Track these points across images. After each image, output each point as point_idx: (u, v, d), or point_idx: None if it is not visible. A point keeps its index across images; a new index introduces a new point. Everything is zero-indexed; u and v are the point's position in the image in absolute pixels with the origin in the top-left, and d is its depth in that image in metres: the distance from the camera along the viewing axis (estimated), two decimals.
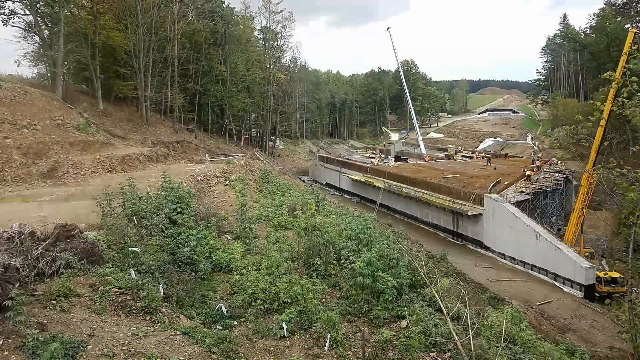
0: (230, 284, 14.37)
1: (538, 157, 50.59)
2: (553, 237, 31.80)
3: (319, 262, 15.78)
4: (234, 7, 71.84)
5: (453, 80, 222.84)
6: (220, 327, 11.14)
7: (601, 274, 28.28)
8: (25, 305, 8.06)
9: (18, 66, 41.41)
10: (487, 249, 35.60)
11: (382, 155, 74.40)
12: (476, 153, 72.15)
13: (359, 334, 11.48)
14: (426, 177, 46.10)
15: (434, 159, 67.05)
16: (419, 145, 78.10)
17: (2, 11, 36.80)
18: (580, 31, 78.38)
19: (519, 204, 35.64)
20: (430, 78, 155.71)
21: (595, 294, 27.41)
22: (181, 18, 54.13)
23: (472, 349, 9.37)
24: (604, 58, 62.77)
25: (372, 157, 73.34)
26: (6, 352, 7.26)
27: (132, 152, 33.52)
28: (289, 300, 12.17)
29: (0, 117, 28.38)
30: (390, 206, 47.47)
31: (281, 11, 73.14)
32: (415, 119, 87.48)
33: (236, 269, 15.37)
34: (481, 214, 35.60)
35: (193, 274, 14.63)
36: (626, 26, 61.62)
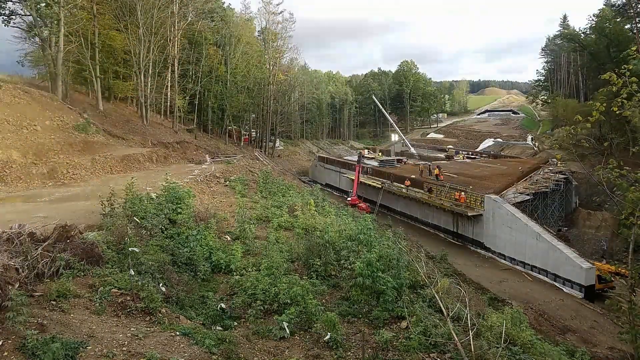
0: (230, 285, 14.37)
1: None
2: (553, 237, 31.78)
3: (318, 263, 15.76)
4: (234, 8, 71.99)
5: (453, 80, 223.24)
6: (220, 328, 11.13)
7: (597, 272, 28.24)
8: (24, 305, 8.05)
9: (22, 66, 41.46)
10: (487, 249, 35.58)
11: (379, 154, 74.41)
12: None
13: (359, 334, 11.47)
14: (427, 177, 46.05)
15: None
16: (408, 146, 78.43)
17: (3, 12, 36.82)
18: (580, 32, 78.44)
19: (519, 205, 35.62)
20: (430, 78, 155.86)
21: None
22: (181, 18, 54.14)
23: (472, 350, 9.35)
24: (604, 58, 62.68)
25: (372, 157, 73.23)
26: (6, 353, 7.24)
27: (132, 152, 33.51)
28: (288, 301, 12.17)
29: (0, 117, 28.36)
30: (390, 207, 47.45)
31: (281, 12, 73.26)
32: (394, 124, 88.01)
33: (236, 270, 15.36)
34: (481, 215, 35.60)
35: (193, 274, 14.63)
36: (626, 27, 61.62)
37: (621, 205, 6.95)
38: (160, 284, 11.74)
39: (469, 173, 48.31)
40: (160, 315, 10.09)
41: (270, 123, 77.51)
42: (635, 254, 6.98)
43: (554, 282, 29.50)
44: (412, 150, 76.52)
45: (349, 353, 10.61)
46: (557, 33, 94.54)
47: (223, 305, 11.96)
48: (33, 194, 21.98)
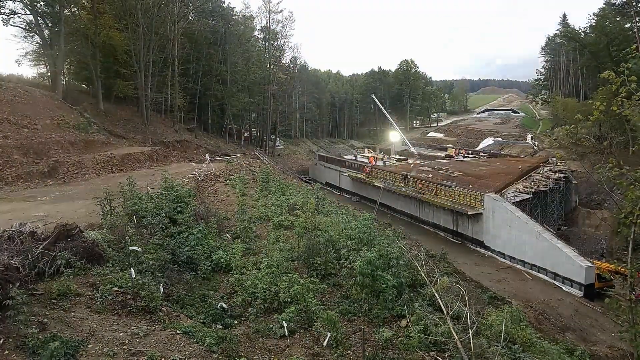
0: (231, 284, 14.39)
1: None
2: (553, 236, 31.80)
3: (319, 262, 15.76)
4: (234, 7, 71.95)
5: (453, 79, 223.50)
6: (221, 327, 11.16)
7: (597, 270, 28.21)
8: (25, 304, 8.07)
9: (19, 66, 41.38)
10: (487, 248, 35.60)
11: (382, 155, 74.45)
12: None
13: (359, 333, 11.49)
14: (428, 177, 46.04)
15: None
16: (408, 145, 78.62)
17: (3, 11, 36.81)
18: (580, 31, 78.38)
19: (518, 204, 35.61)
20: (430, 78, 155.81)
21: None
22: (181, 18, 54.09)
23: (472, 348, 9.37)
24: (604, 57, 62.65)
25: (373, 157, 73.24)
26: (6, 352, 7.27)
27: (133, 151, 33.54)
28: (289, 300, 12.18)
29: (0, 117, 28.39)
30: (390, 206, 47.47)
31: (281, 11, 73.20)
32: (394, 123, 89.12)
33: (236, 269, 15.37)
34: (481, 214, 35.61)
35: (193, 273, 14.66)
36: (626, 25, 61.56)
37: (621, 204, 6.94)
38: (161, 283, 11.76)
39: (469, 172, 48.29)
40: (161, 313, 10.12)
41: (270, 122, 77.51)
42: (634, 253, 6.97)
43: (554, 281, 29.52)
44: (412, 149, 76.55)
45: (349, 352, 10.63)
46: (557, 32, 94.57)
47: (224, 305, 11.97)
48: (34, 193, 22.01)
